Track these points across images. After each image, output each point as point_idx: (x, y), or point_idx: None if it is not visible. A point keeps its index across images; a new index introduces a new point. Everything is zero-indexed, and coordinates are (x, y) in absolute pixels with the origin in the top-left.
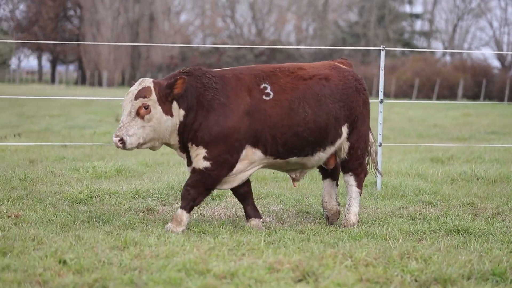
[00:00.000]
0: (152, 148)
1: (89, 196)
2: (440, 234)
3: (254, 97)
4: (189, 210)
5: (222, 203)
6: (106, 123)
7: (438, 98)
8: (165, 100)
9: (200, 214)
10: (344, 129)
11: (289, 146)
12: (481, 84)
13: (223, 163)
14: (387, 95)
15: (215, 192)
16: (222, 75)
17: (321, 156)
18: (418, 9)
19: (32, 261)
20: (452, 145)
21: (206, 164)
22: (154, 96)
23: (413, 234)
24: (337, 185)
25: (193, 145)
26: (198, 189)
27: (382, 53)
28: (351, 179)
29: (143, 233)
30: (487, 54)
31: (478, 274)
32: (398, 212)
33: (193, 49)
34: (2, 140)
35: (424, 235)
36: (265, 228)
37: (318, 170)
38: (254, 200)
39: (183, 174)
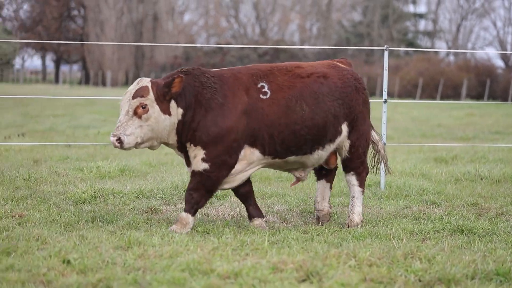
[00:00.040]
0: (151, 147)
1: (93, 196)
2: (444, 234)
3: (252, 96)
4: (193, 213)
5: (225, 203)
6: (110, 123)
7: (442, 98)
8: (163, 99)
9: (204, 214)
10: (344, 127)
11: (286, 144)
12: (485, 84)
13: (221, 164)
14: (391, 95)
15: (218, 192)
16: (220, 75)
17: (321, 154)
18: (422, 9)
19: (36, 261)
20: (456, 145)
21: (205, 166)
22: (151, 95)
23: (417, 234)
24: (330, 188)
25: (192, 145)
26: (200, 191)
27: (386, 53)
28: (353, 179)
29: (147, 233)
30: (491, 54)
31: (482, 274)
32: (402, 212)
33: (196, 49)
34: (6, 140)
35: (428, 235)
36: (269, 228)
37: (313, 171)
38: (258, 200)
39: (187, 174)
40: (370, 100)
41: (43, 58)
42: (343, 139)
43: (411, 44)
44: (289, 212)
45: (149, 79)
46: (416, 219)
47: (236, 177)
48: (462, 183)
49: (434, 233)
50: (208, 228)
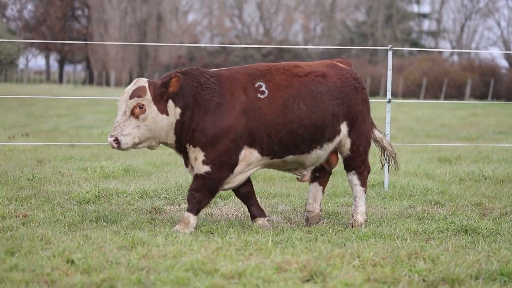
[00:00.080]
0: (149, 147)
1: (97, 196)
2: (448, 234)
3: (249, 95)
4: (196, 213)
5: (229, 203)
6: (114, 123)
7: (446, 97)
8: (160, 99)
9: (208, 214)
10: (343, 127)
11: (284, 144)
12: (489, 84)
13: (222, 165)
14: (394, 95)
15: (222, 192)
16: (218, 75)
17: (319, 153)
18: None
19: (40, 260)
20: (460, 145)
21: (206, 168)
22: (149, 95)
23: (421, 234)
24: (323, 191)
25: (191, 146)
26: (202, 192)
27: (390, 53)
28: (354, 178)
29: (150, 233)
30: (495, 54)
31: (486, 274)
32: (405, 212)
33: (200, 48)
34: (10, 139)
35: (432, 235)
36: (273, 228)
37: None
38: (262, 200)
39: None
40: (374, 100)
41: (47, 58)
42: (342, 139)
43: (415, 44)
44: (293, 212)
45: (147, 79)
46: (420, 219)
47: (236, 178)
48: (466, 183)
49: (438, 233)
50: (212, 228)
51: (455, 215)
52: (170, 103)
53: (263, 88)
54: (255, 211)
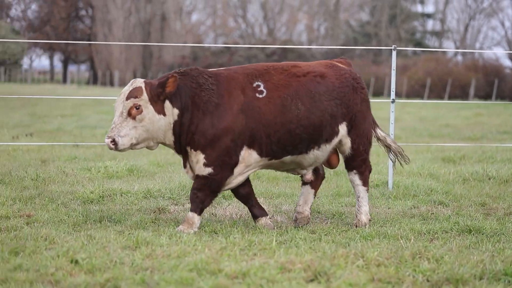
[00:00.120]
0: (148, 148)
1: (101, 196)
2: (452, 234)
3: (248, 95)
4: (199, 213)
5: (233, 203)
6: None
7: (450, 98)
8: (157, 99)
9: (212, 213)
10: (342, 127)
11: (282, 143)
12: (493, 84)
13: (223, 166)
14: (398, 95)
15: (225, 192)
16: (217, 75)
17: (317, 154)
18: (429, 8)
19: (44, 260)
20: (464, 145)
21: (208, 170)
22: (145, 96)
23: (425, 234)
24: (314, 195)
25: (192, 149)
26: (205, 191)
27: (394, 53)
28: (356, 178)
29: (154, 233)
30: (499, 54)
31: (490, 274)
32: (409, 212)
33: (204, 48)
34: (14, 140)
35: (436, 235)
36: (277, 227)
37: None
38: (266, 199)
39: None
40: (378, 100)
41: (51, 58)
42: (342, 139)
43: (419, 44)
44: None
45: (143, 79)
46: (424, 219)
47: (235, 179)
48: (470, 183)
49: (442, 233)
50: (216, 228)
51: (459, 215)
52: (167, 104)
53: (262, 88)
54: (257, 211)
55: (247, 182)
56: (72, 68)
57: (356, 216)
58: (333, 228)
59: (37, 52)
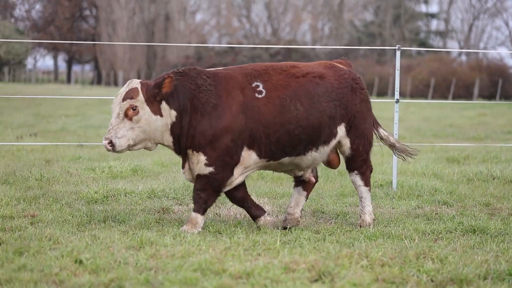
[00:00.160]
0: (147, 148)
1: (105, 196)
2: (456, 234)
3: (247, 95)
4: (203, 213)
5: None
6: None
7: (454, 97)
8: (153, 100)
9: (216, 214)
10: (340, 128)
11: (281, 144)
12: (497, 84)
13: (224, 165)
14: (403, 94)
15: None
16: (216, 75)
17: (315, 156)
18: (433, 8)
19: (48, 260)
20: (468, 145)
21: (210, 169)
22: (141, 96)
23: (429, 234)
24: (306, 197)
25: (194, 152)
26: (207, 191)
27: (398, 53)
28: (357, 179)
29: (159, 233)
30: (503, 54)
31: (494, 274)
32: (414, 212)
33: (208, 48)
34: (18, 139)
35: (440, 235)
36: (281, 228)
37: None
38: (270, 199)
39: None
40: (382, 100)
41: (55, 58)
42: (341, 139)
43: (423, 44)
44: (301, 212)
45: (139, 80)
46: (428, 219)
47: (235, 180)
48: (474, 183)
49: (446, 233)
50: (220, 228)
51: (464, 215)
52: (164, 105)
53: (261, 88)
54: (254, 212)
55: (241, 185)
56: (76, 68)
57: (360, 216)
58: (337, 228)
59: (41, 52)
